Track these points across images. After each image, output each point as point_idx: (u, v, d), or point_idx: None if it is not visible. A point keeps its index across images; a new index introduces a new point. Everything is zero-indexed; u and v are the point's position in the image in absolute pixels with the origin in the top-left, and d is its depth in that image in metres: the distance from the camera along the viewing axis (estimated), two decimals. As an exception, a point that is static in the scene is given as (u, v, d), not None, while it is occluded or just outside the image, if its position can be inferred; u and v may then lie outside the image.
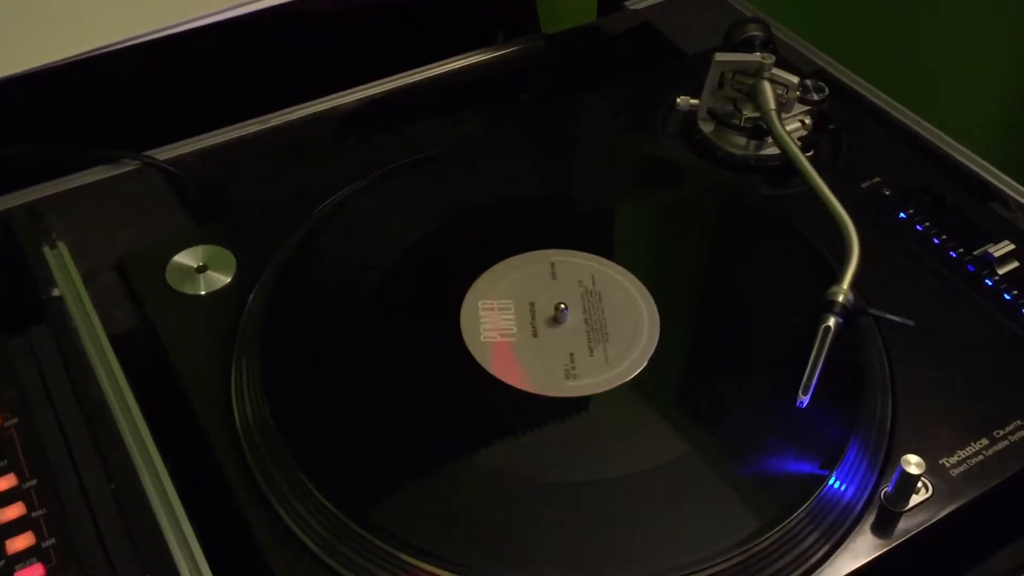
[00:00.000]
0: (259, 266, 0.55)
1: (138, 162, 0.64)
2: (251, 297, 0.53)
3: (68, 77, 0.63)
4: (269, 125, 0.69)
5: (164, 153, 0.65)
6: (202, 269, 0.55)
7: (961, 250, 0.57)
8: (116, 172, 0.63)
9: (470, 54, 0.76)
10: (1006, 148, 0.85)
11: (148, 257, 0.55)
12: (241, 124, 0.68)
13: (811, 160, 0.59)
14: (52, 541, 0.42)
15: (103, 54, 0.62)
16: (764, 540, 0.42)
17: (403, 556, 0.42)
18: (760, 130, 0.62)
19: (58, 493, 0.44)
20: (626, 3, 0.80)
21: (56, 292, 0.53)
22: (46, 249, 0.56)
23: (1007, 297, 0.54)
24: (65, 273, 0.54)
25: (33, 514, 0.43)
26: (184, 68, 0.70)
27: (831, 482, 0.44)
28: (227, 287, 0.54)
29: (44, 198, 0.61)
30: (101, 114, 0.67)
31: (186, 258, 0.55)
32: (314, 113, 0.70)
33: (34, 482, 0.44)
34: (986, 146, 0.66)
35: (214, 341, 0.51)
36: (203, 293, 0.54)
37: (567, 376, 0.49)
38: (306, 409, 0.48)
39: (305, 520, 0.44)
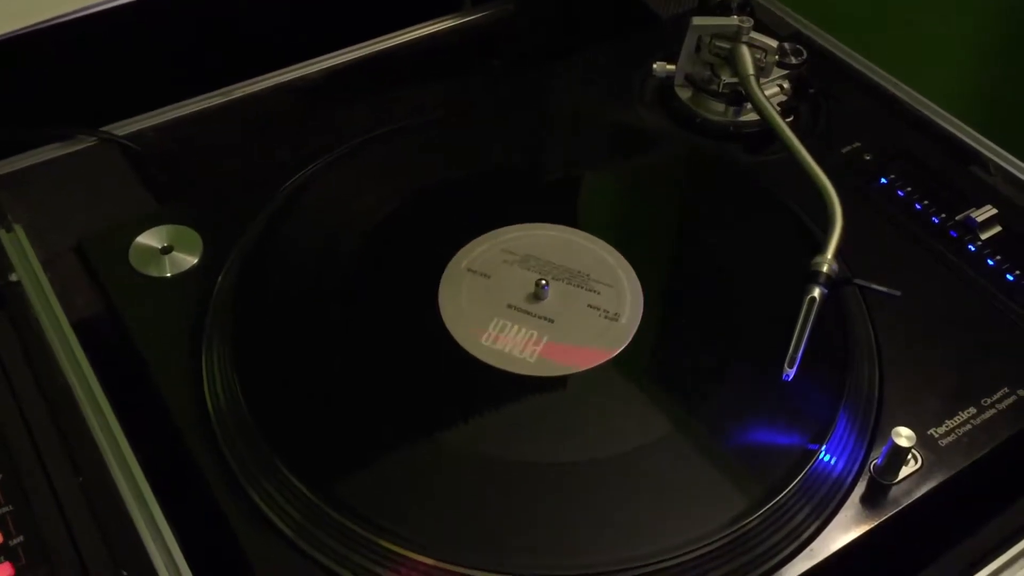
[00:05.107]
0: (227, 246, 0.53)
1: (95, 138, 0.61)
2: (219, 278, 0.51)
3: (16, 50, 0.60)
4: (232, 97, 0.66)
5: (122, 128, 0.63)
6: (167, 250, 0.53)
7: (943, 215, 0.56)
8: (72, 149, 0.61)
9: (437, 20, 0.74)
10: (986, 111, 0.84)
11: (110, 239, 0.53)
12: (203, 96, 0.66)
13: (790, 126, 0.58)
14: (20, 539, 0.41)
15: (54, 25, 0.60)
16: (757, 517, 0.42)
17: (380, 541, 0.41)
18: (739, 96, 0.61)
19: (24, 488, 0.42)
20: (596, -35, 0.78)
21: (14, 277, 0.51)
22: (2, 232, 0.54)
23: (990, 262, 0.54)
24: (23, 257, 0.52)
25: (-2, 511, 0.41)
26: (141, 38, 0.67)
27: (821, 456, 0.44)
28: (194, 268, 0.52)
29: (-4, 178, 0.58)
30: (53, 88, 0.64)
31: (150, 239, 0.53)
32: (279, 84, 0.68)
33: (-2, 477, 0.42)
34: (966, 109, 0.65)
35: (182, 325, 0.49)
36: (169, 275, 0.52)
37: (612, 319, 0.49)
38: (279, 392, 0.47)
39: (280, 506, 0.43)
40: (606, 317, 0.50)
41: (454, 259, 0.53)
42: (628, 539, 0.41)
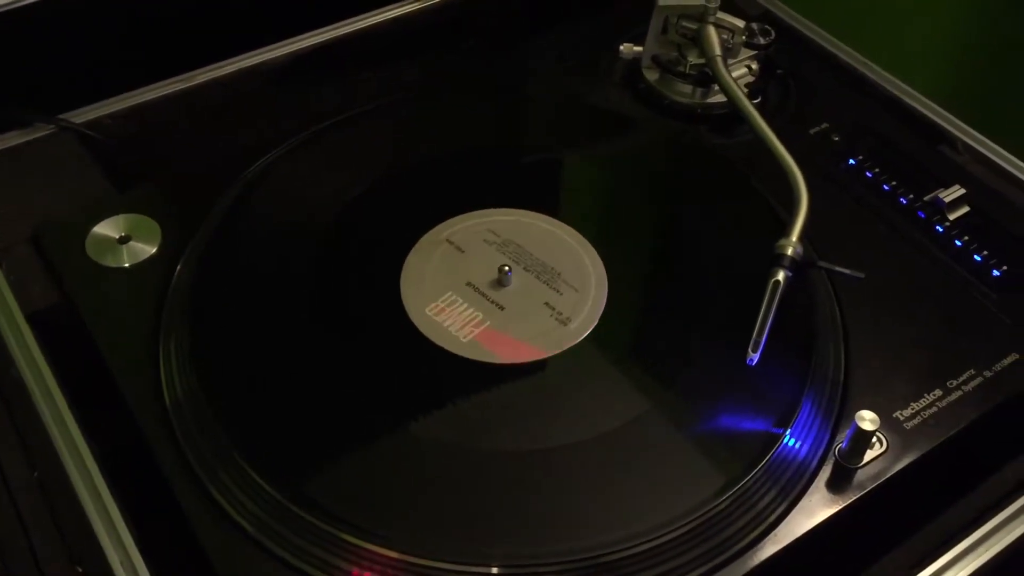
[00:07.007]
0: (186, 235, 0.52)
1: (52, 126, 0.60)
2: (178, 268, 0.51)
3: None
4: (195, 82, 0.65)
5: (81, 115, 0.61)
6: (125, 240, 0.52)
7: (911, 196, 0.56)
8: (29, 137, 0.59)
9: (408, 1, 0.73)
10: (955, 89, 0.84)
11: (66, 228, 0.53)
12: (165, 82, 0.64)
13: (758, 107, 0.58)
14: (-29, 536, 0.40)
15: (9, 9, 0.58)
16: (721, 503, 0.41)
17: (341, 535, 0.40)
18: (706, 77, 0.60)
19: (-24, 484, 0.42)
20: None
21: (-34, 269, 0.50)
22: (-46, 223, 0.53)
23: (958, 243, 0.53)
24: (-25, 248, 0.51)
25: (-51, 508, 0.41)
26: (100, 22, 0.65)
27: (786, 440, 0.43)
28: (152, 258, 0.51)
29: (-50, 167, 0.57)
30: (8, 75, 0.63)
31: (107, 228, 0.53)
32: (243, 68, 0.67)
33: (-51, 473, 0.42)
34: (935, 88, 0.64)
35: (139, 316, 0.49)
36: (127, 265, 0.51)
37: (563, 322, 0.48)
38: (238, 384, 0.46)
39: (239, 500, 0.42)
40: (558, 318, 0.48)
41: (433, 231, 0.52)
42: (592, 527, 0.41)
